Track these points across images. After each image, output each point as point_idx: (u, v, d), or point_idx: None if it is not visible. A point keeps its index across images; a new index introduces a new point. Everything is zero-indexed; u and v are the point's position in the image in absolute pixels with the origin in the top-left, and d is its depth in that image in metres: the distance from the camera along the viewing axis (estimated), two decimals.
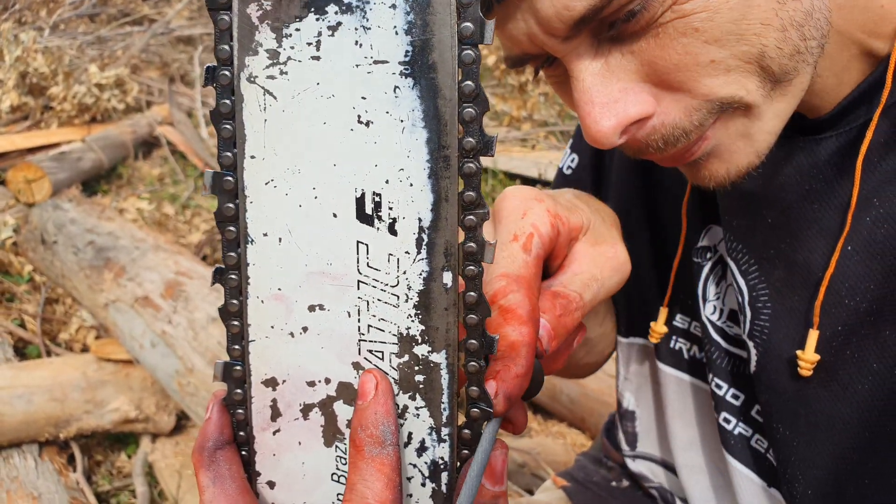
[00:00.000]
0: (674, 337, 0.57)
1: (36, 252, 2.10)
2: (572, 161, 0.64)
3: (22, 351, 1.87)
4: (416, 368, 0.30)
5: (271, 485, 0.32)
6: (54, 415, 1.54)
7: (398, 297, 0.29)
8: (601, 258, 0.40)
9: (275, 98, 0.28)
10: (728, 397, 0.51)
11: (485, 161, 2.94)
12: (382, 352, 0.30)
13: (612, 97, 0.36)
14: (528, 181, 2.92)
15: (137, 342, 1.60)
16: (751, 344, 0.47)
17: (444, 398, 0.30)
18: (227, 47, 0.28)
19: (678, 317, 0.57)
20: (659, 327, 0.55)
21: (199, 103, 3.72)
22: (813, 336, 0.43)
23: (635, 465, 0.65)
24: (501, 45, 0.40)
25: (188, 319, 1.54)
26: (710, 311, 0.52)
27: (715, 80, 0.36)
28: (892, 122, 0.40)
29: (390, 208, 0.28)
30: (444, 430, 0.30)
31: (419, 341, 0.29)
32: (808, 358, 0.43)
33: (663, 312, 0.55)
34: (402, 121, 0.28)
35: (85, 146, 2.88)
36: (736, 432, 0.51)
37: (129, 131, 3.17)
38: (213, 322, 1.52)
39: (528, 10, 0.35)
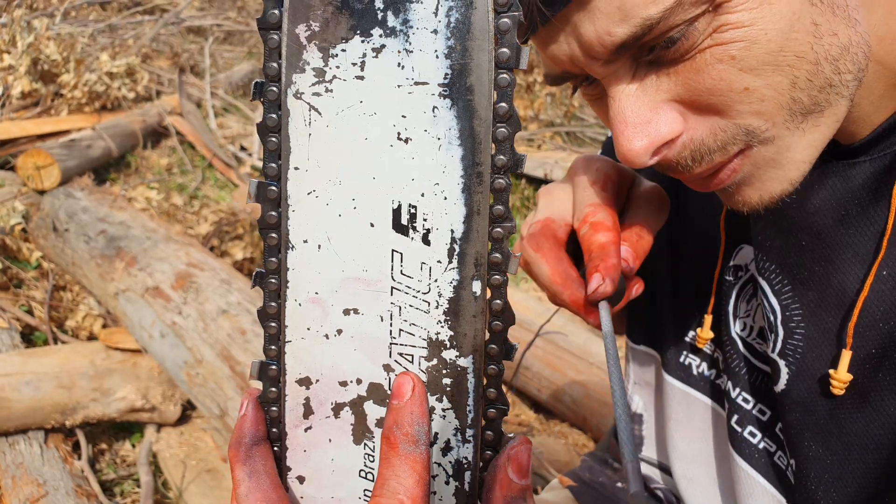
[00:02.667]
0: (684, 352, 0.58)
1: (47, 239, 2.11)
2: None
3: (28, 337, 1.88)
4: (444, 372, 0.31)
5: (301, 479, 0.33)
6: (61, 402, 1.55)
7: (429, 303, 0.31)
8: (652, 194, 0.50)
9: (320, 114, 0.30)
10: (755, 412, 0.52)
11: None
12: (412, 355, 0.31)
13: (645, 118, 0.37)
14: (533, 181, 2.92)
15: (147, 332, 1.61)
16: (782, 362, 0.48)
17: (470, 401, 0.31)
18: (275, 64, 0.30)
19: (690, 333, 0.58)
20: (705, 333, 0.55)
21: (209, 94, 3.73)
22: (846, 356, 0.43)
23: (642, 468, 0.66)
24: (543, 63, 0.41)
25: (198, 311, 1.55)
26: (739, 327, 0.53)
27: (746, 107, 0.36)
28: None
29: (425, 220, 0.30)
30: (469, 432, 0.32)
31: (448, 346, 0.31)
32: (840, 377, 0.43)
33: (708, 320, 0.55)
34: (439, 138, 0.29)
35: (95, 134, 2.89)
36: (761, 447, 0.52)
37: (138, 120, 3.18)
38: (223, 314, 1.53)
39: (571, 33, 0.37)
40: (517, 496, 0.30)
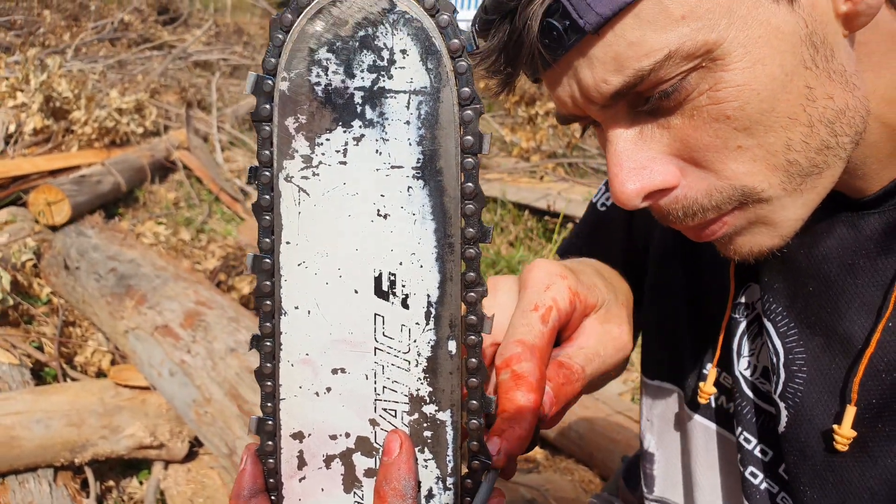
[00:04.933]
0: (702, 384, 0.59)
1: (58, 277, 2.14)
2: (607, 199, 0.67)
3: (38, 373, 1.90)
4: (425, 425, 0.34)
5: None
6: (71, 440, 1.57)
7: (409, 362, 0.34)
8: (607, 336, 0.44)
9: (308, 195, 0.33)
10: (756, 452, 0.53)
11: (494, 191, 2.99)
12: (396, 410, 0.34)
13: (640, 164, 0.40)
14: (536, 211, 2.96)
15: (156, 370, 1.63)
16: (782, 405, 0.49)
17: (450, 451, 0.34)
18: (268, 152, 0.33)
19: (708, 366, 0.58)
20: (708, 388, 0.55)
21: (216, 128, 3.80)
22: (850, 412, 0.44)
23: None
24: (554, 103, 0.44)
25: (207, 349, 1.57)
26: (743, 366, 0.54)
27: (741, 165, 0.38)
28: None
29: (403, 286, 0.33)
30: (449, 480, 0.34)
31: (427, 401, 0.34)
32: (845, 434, 0.44)
33: (713, 373, 0.55)
34: (414, 214, 0.33)
35: (104, 169, 2.95)
36: (762, 487, 0.52)
37: (147, 155, 3.24)
38: (232, 353, 1.55)
39: (573, 77, 0.40)
40: None
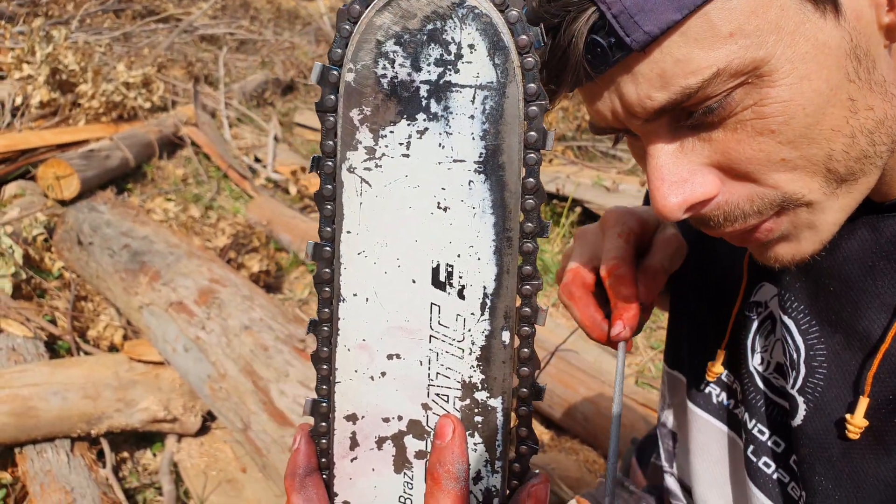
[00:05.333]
0: (706, 380, 0.61)
1: (71, 252, 2.15)
2: None
3: (51, 346, 1.93)
4: (476, 410, 0.35)
5: None
6: (87, 412, 1.60)
7: (463, 350, 0.34)
8: (669, 242, 0.58)
9: (370, 186, 0.34)
10: (769, 443, 0.55)
11: None
12: (448, 395, 0.35)
13: (682, 177, 0.40)
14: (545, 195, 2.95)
15: (170, 346, 1.65)
16: (800, 399, 0.50)
17: (499, 436, 0.35)
18: (331, 142, 0.34)
19: (715, 355, 0.60)
20: (716, 367, 0.59)
21: (223, 104, 3.78)
22: (863, 403, 0.45)
23: (669, 480, 0.69)
24: (589, 114, 0.44)
25: (222, 326, 1.59)
26: (757, 361, 0.56)
27: (783, 175, 0.39)
28: None
29: (460, 277, 0.34)
30: (498, 463, 0.35)
31: (479, 388, 0.35)
32: (857, 423, 0.46)
33: (721, 355, 0.59)
34: (474, 208, 0.33)
35: (112, 144, 2.94)
36: (775, 477, 0.54)
37: (154, 130, 3.23)
38: (246, 330, 1.57)
39: (615, 92, 0.40)
40: None
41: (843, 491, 0.48)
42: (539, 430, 1.79)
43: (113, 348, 1.94)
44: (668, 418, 0.69)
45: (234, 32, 5.22)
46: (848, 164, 0.39)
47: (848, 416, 0.46)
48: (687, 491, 0.68)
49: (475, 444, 0.35)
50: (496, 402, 0.35)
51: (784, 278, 0.52)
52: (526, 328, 0.35)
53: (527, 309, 0.35)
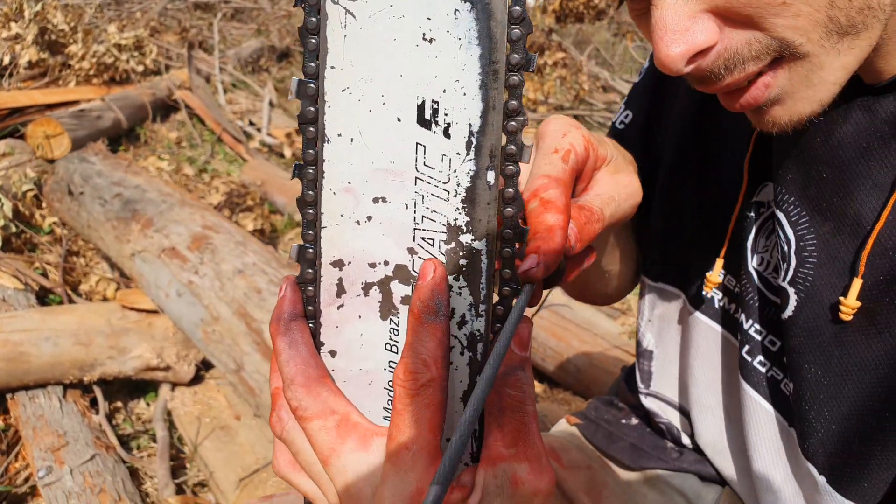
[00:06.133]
0: (708, 274, 0.61)
1: (62, 203, 2.13)
2: (626, 117, 0.68)
3: (43, 299, 1.91)
4: (461, 254, 0.34)
5: (333, 353, 0.36)
6: (79, 358, 1.59)
7: (448, 192, 0.34)
8: (619, 184, 0.46)
9: (354, 17, 0.32)
10: (765, 342, 0.55)
11: None
12: (433, 239, 0.34)
13: (683, 26, 0.40)
14: None
15: (163, 291, 1.64)
16: (791, 290, 0.50)
17: (483, 279, 0.34)
18: None
19: (715, 262, 0.60)
20: (714, 277, 0.58)
21: (218, 69, 3.73)
22: (857, 284, 0.45)
23: (647, 402, 0.70)
24: None
25: (215, 271, 1.58)
26: (756, 262, 0.55)
27: (782, 20, 0.38)
28: None
29: (446, 114, 0.33)
30: (482, 307, 0.35)
31: (464, 230, 0.34)
32: (850, 304, 0.46)
33: (719, 263, 0.58)
34: (459, 38, 0.32)
35: (104, 105, 2.90)
36: (769, 375, 0.55)
37: (148, 93, 3.19)
38: (239, 274, 1.56)
39: None
40: (517, 365, 0.34)
41: (832, 375, 0.48)
42: (537, 385, 1.79)
43: (106, 301, 1.93)
44: (646, 336, 0.69)
45: (228, 0, 5.15)
46: (849, 13, 0.38)
47: (841, 298, 0.46)
48: (672, 405, 0.68)
49: (460, 288, 0.34)
50: (480, 245, 0.34)
51: (777, 171, 0.51)
52: (511, 167, 0.34)
53: (512, 147, 0.34)
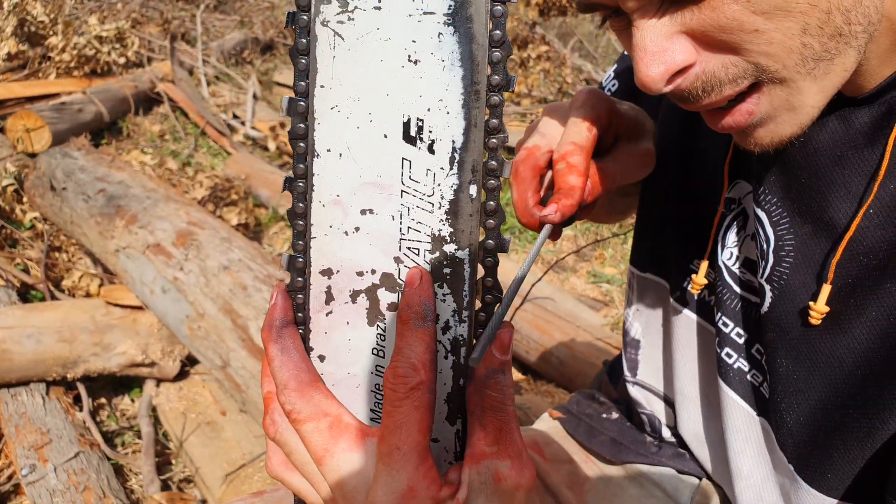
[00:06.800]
0: (688, 278, 0.63)
1: (44, 198, 2.11)
2: (613, 86, 0.71)
3: (25, 296, 1.89)
4: (445, 263, 0.36)
5: (322, 358, 0.38)
6: (62, 355, 1.58)
7: (433, 204, 0.35)
8: (635, 153, 0.56)
9: (343, 39, 0.34)
10: (732, 335, 0.57)
11: None
12: (419, 249, 0.36)
13: (662, 46, 0.41)
14: None
15: (148, 288, 1.63)
16: (767, 287, 0.52)
17: (466, 287, 0.36)
18: None
19: (696, 260, 0.62)
20: (700, 279, 0.60)
21: (201, 62, 3.69)
22: (826, 290, 0.47)
23: (633, 391, 0.72)
24: None
25: (200, 267, 1.57)
26: (726, 256, 0.57)
27: (755, 47, 0.39)
28: None
29: (430, 132, 0.34)
30: (465, 313, 0.36)
31: (448, 241, 0.36)
32: (819, 309, 0.48)
33: (704, 265, 0.60)
34: (443, 60, 0.34)
35: (86, 98, 2.86)
36: (735, 366, 0.57)
37: (130, 86, 3.15)
38: (225, 270, 1.56)
39: None
40: (497, 368, 0.36)
41: (802, 370, 0.50)
42: (515, 375, 1.81)
43: (90, 297, 1.91)
44: (633, 325, 0.71)
45: None
46: (822, 40, 0.39)
47: (811, 303, 0.48)
48: (657, 395, 0.70)
49: (444, 296, 0.36)
50: (464, 254, 0.36)
51: (761, 173, 0.53)
52: (492, 181, 0.36)
53: (493, 162, 0.36)
